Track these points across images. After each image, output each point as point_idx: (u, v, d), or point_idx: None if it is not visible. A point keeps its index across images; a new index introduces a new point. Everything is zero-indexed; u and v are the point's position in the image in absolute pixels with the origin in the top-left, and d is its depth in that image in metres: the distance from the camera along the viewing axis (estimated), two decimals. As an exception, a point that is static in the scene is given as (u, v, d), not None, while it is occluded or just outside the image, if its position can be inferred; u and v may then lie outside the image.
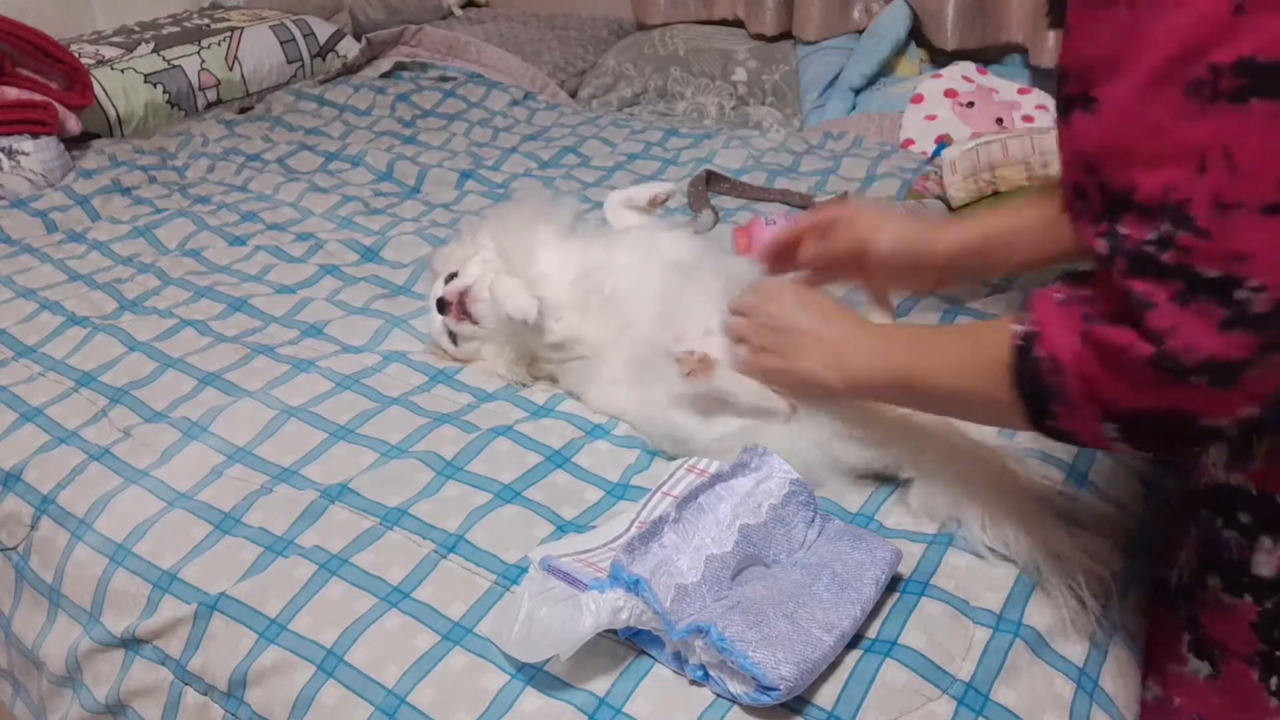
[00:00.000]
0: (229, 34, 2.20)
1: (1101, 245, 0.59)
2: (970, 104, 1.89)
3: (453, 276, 1.12)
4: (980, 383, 0.72)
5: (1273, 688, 0.72)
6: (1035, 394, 0.66)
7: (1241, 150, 0.53)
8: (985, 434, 0.91)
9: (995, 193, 1.45)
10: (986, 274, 1.17)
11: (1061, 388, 0.64)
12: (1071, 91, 0.61)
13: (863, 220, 0.98)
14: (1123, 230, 0.58)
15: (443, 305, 1.11)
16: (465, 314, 1.10)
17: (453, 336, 1.13)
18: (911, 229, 0.97)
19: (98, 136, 1.95)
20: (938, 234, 0.96)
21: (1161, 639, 0.81)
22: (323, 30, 2.36)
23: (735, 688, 0.70)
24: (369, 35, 2.39)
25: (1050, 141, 1.49)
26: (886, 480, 0.92)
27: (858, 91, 2.08)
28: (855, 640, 0.75)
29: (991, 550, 0.83)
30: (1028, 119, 1.83)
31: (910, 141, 1.86)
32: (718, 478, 0.84)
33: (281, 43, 2.26)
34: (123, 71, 2.02)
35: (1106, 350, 0.60)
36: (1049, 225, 0.94)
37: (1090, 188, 0.60)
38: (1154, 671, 0.82)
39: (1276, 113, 0.52)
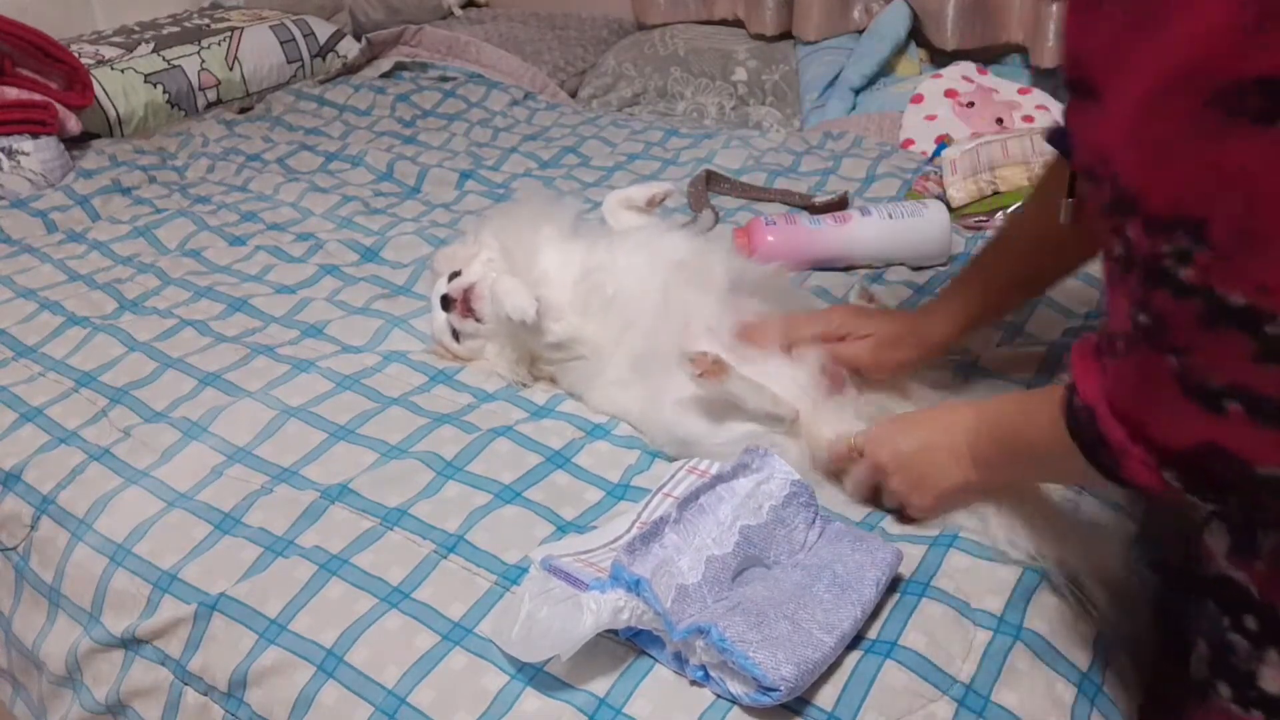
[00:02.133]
0: (229, 34, 2.19)
1: (1116, 245, 0.54)
2: (970, 104, 1.89)
3: (456, 274, 1.12)
4: (1061, 452, 0.66)
5: None
6: (1093, 448, 0.62)
7: (1267, 175, 0.47)
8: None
9: (995, 193, 1.45)
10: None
11: (1107, 436, 0.59)
12: (1072, 76, 0.55)
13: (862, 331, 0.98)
14: (1130, 235, 0.53)
15: (447, 302, 1.11)
16: (469, 311, 1.10)
17: (455, 334, 1.13)
18: (898, 332, 0.97)
19: (98, 136, 1.95)
20: (928, 329, 0.97)
21: None
22: (323, 30, 2.35)
23: (736, 688, 0.70)
24: (369, 35, 2.39)
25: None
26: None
27: (858, 91, 2.08)
28: (856, 641, 0.75)
29: (994, 551, 0.82)
30: (1028, 119, 1.83)
31: (910, 141, 1.86)
32: (718, 479, 0.84)
33: (281, 43, 2.26)
34: (123, 71, 2.02)
35: (1134, 381, 0.55)
36: (1035, 260, 0.95)
37: (1103, 175, 0.54)
38: None
39: None
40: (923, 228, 1.33)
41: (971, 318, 0.97)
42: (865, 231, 1.33)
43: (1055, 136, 0.93)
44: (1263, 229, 0.47)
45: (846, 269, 1.34)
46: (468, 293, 1.10)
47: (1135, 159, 0.52)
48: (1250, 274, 0.48)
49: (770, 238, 1.32)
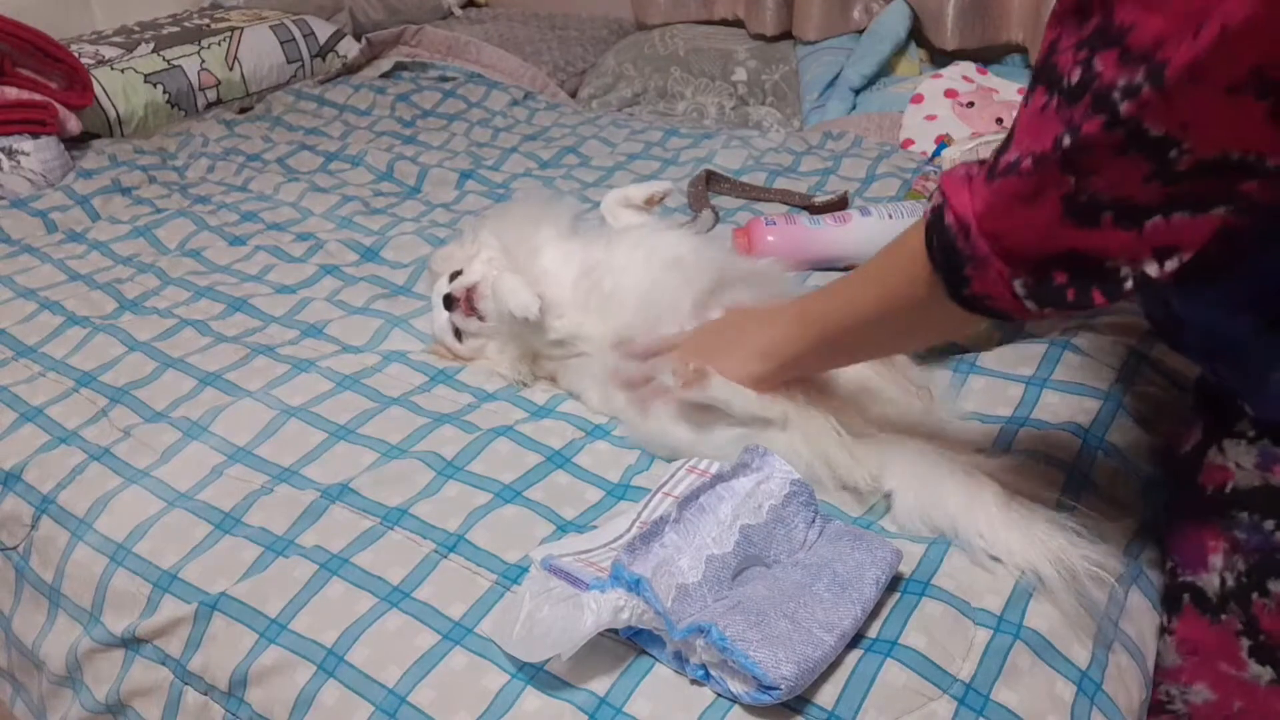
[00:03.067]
0: (229, 34, 2.20)
1: (1076, 73, 0.59)
2: (970, 104, 1.89)
3: (457, 274, 1.12)
4: (900, 283, 0.74)
5: None
6: (948, 261, 0.68)
7: (1237, 22, 0.51)
8: (981, 444, 0.91)
9: (995, 193, 1.45)
10: None
11: (971, 248, 0.66)
12: None
13: None
14: (1099, 65, 0.57)
15: (450, 302, 1.11)
16: (473, 310, 1.10)
17: (458, 334, 1.13)
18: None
19: (98, 136, 1.95)
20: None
21: (1206, 644, 0.80)
22: (323, 30, 2.36)
23: (736, 687, 0.70)
24: (369, 35, 2.39)
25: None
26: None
27: (858, 91, 2.08)
28: (856, 640, 0.75)
29: (991, 557, 0.82)
30: (1028, 119, 1.83)
31: (910, 141, 1.86)
32: (718, 478, 0.84)
33: (281, 43, 2.26)
34: (123, 71, 2.02)
35: (1018, 196, 0.62)
36: None
37: (1097, 9, 0.58)
38: (1199, 676, 0.81)
39: None
40: None
41: None
42: (865, 231, 1.33)
43: None
44: (1211, 75, 0.53)
45: (846, 269, 1.34)
46: (471, 292, 1.10)
47: None
48: (1181, 113, 0.55)
49: (770, 237, 1.32)
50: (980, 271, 0.66)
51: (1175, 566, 0.84)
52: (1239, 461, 0.76)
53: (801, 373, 0.91)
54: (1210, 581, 0.79)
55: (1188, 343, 0.79)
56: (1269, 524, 0.73)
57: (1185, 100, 0.54)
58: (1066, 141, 0.59)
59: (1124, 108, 0.56)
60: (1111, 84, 0.56)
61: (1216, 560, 0.78)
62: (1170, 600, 0.85)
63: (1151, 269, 0.61)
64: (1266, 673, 0.77)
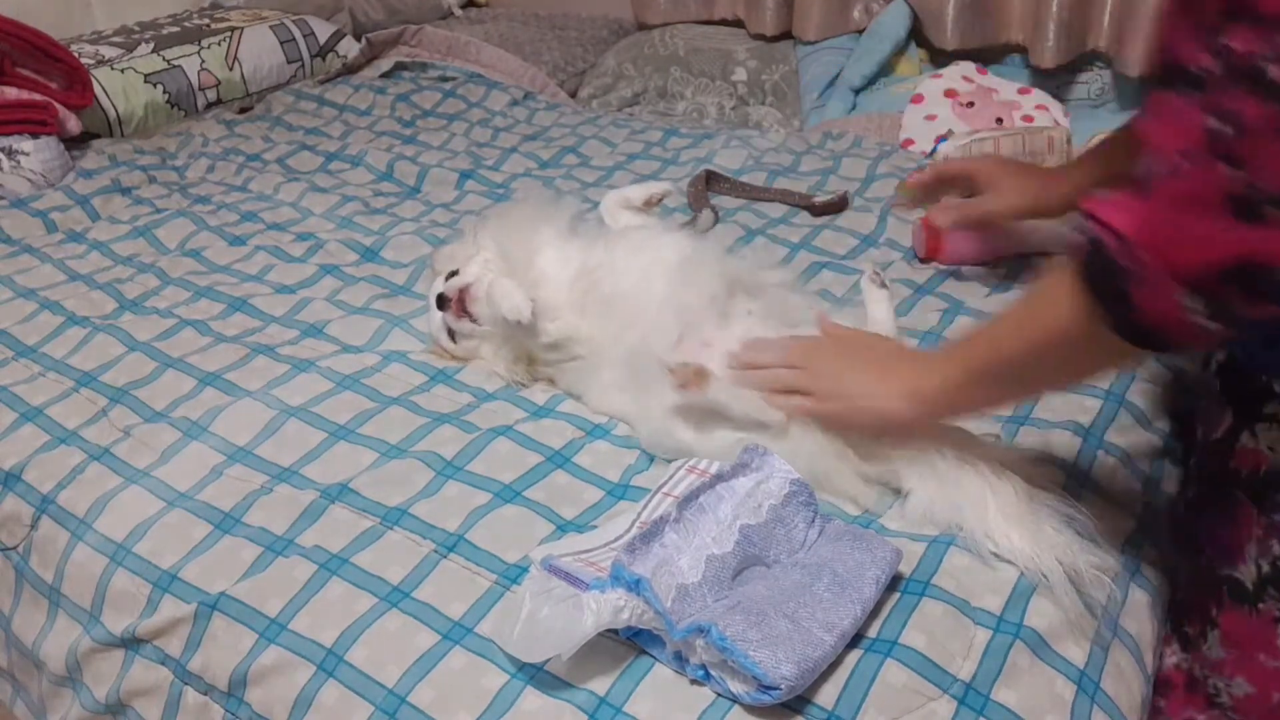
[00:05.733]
0: (229, 34, 2.19)
1: (1204, 58, 0.54)
2: (970, 104, 1.89)
3: (453, 274, 1.12)
4: (1052, 319, 0.69)
5: None
6: (1108, 284, 0.62)
7: None
8: (985, 439, 0.91)
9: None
10: None
11: (1133, 264, 0.60)
12: None
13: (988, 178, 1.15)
14: (1231, 43, 0.53)
15: (442, 301, 1.11)
16: (464, 311, 1.10)
17: (452, 334, 1.13)
18: (1029, 188, 1.11)
19: (98, 136, 1.94)
20: (1052, 190, 1.10)
21: (1246, 636, 0.80)
22: (323, 30, 2.35)
23: (736, 687, 0.70)
24: (369, 35, 2.39)
25: (1040, 141, 1.50)
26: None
27: (858, 91, 2.08)
28: (856, 640, 0.75)
29: (995, 555, 0.82)
30: (1027, 119, 1.83)
31: (910, 141, 1.86)
32: (718, 478, 0.84)
33: (281, 43, 2.26)
34: (123, 71, 2.02)
35: (1176, 199, 0.57)
36: None
37: None
38: (1240, 669, 0.81)
39: None
40: None
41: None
42: None
43: None
44: None
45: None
46: (463, 293, 1.10)
47: None
48: None
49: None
50: (1147, 289, 0.60)
51: (1210, 559, 0.83)
52: (1271, 445, 0.75)
53: (946, 417, 0.87)
54: (1248, 570, 0.79)
55: None
56: None
57: None
58: (1213, 124, 0.54)
59: (1272, 73, 0.51)
60: (1251, 54, 0.52)
61: (1252, 549, 0.78)
62: (1214, 594, 0.83)
63: None
64: None
